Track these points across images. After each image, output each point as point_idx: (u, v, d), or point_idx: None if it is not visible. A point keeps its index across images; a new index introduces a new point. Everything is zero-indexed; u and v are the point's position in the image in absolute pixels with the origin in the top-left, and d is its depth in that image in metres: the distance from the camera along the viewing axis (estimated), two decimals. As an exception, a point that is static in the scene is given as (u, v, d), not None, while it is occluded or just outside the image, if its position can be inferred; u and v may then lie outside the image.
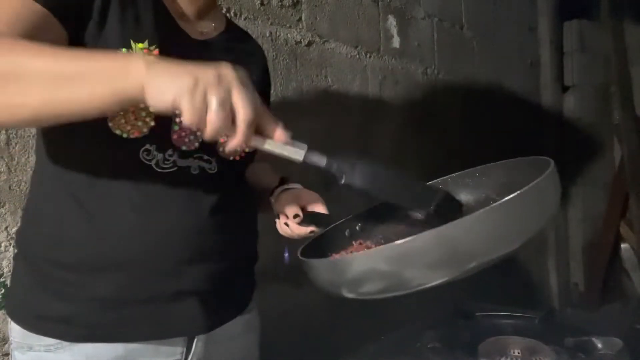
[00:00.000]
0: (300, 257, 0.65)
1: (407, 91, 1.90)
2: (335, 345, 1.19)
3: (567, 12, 2.90)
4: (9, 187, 0.95)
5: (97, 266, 0.66)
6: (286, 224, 0.75)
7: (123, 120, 0.65)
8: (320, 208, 0.76)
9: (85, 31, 0.63)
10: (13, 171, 0.95)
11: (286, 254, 0.85)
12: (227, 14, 1.29)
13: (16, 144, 0.96)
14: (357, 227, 0.81)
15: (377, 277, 0.56)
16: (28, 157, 0.97)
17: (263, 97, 0.87)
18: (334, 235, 0.78)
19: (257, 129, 0.55)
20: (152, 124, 0.66)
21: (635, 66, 2.91)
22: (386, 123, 1.81)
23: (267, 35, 1.40)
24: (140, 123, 0.66)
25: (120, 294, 0.67)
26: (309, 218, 0.74)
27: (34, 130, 0.96)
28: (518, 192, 0.53)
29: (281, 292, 1.33)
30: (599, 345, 0.90)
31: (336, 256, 0.72)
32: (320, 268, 0.63)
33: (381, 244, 0.77)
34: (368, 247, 0.75)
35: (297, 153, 0.58)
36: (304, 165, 0.60)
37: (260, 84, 0.86)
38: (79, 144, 0.67)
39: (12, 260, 0.93)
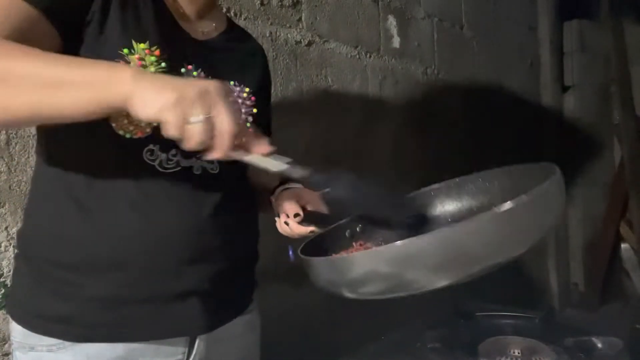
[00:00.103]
0: (301, 255, 0.65)
1: (407, 91, 1.90)
2: (335, 345, 1.19)
3: (567, 12, 2.90)
4: (9, 187, 0.95)
5: (98, 266, 0.66)
6: (286, 223, 0.75)
7: (126, 121, 0.65)
8: (320, 207, 0.76)
9: (84, 32, 0.64)
10: (13, 171, 0.95)
11: (290, 252, 0.85)
12: (227, 14, 1.29)
13: (16, 144, 0.96)
14: (357, 228, 0.81)
15: (378, 278, 0.56)
16: (28, 157, 0.97)
17: (264, 97, 0.88)
18: (335, 235, 0.78)
19: (241, 143, 0.59)
20: (155, 123, 0.67)
21: (635, 66, 2.91)
22: (386, 123, 1.81)
23: (267, 35, 1.40)
24: (143, 123, 0.66)
25: (121, 294, 0.67)
26: (309, 217, 0.74)
27: (34, 130, 0.96)
28: (524, 196, 0.52)
29: (281, 292, 1.33)
30: (599, 345, 0.90)
31: (336, 256, 0.72)
32: (321, 267, 0.63)
33: (381, 245, 0.77)
34: (368, 249, 0.75)
35: (278, 165, 0.62)
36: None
37: (261, 84, 0.86)
38: (81, 144, 0.67)
39: (12, 260, 0.93)
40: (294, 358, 1.30)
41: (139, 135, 0.66)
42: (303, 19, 1.51)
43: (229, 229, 0.75)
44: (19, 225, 0.90)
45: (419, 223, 0.71)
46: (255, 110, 0.80)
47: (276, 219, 0.78)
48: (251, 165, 0.86)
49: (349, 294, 0.60)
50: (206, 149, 0.55)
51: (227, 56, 0.81)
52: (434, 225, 0.76)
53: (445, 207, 0.80)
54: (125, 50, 0.64)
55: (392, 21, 1.84)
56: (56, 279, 0.67)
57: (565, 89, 2.94)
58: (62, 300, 0.67)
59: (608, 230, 2.88)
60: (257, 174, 0.89)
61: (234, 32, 0.86)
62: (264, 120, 0.90)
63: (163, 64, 0.66)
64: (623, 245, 2.87)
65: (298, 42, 1.49)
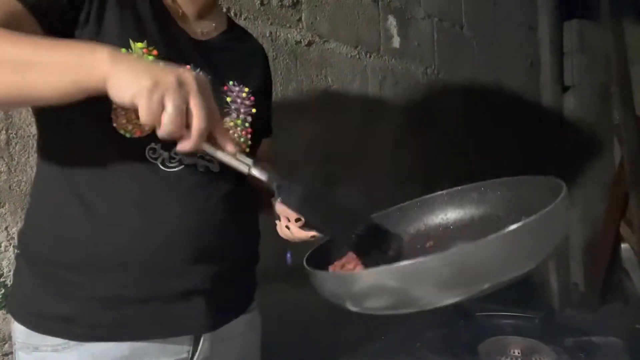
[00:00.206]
0: (307, 267, 0.65)
1: (407, 91, 1.90)
2: (335, 345, 1.19)
3: (567, 12, 2.90)
4: (9, 187, 0.95)
5: (100, 265, 0.66)
6: (287, 227, 0.75)
7: (124, 120, 0.65)
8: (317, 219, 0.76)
9: (77, 32, 0.64)
10: (13, 171, 0.95)
11: (288, 256, 0.85)
12: (227, 14, 1.29)
13: (16, 144, 0.96)
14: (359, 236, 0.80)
15: (384, 295, 0.55)
16: (28, 157, 0.97)
17: (264, 96, 0.88)
18: (337, 242, 0.78)
19: (211, 137, 0.59)
20: (148, 128, 0.67)
21: (635, 66, 2.91)
22: (386, 123, 1.81)
23: (267, 35, 1.40)
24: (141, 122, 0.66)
25: (124, 293, 0.67)
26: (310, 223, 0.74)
27: (34, 130, 0.96)
28: (533, 217, 0.52)
29: (281, 292, 1.33)
30: (599, 345, 0.90)
31: (337, 264, 0.72)
32: (326, 281, 0.63)
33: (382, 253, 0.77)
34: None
35: (242, 165, 0.63)
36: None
37: (261, 84, 0.86)
38: (83, 144, 0.67)
39: (12, 260, 0.93)
40: (294, 358, 1.30)
41: (137, 134, 0.66)
42: (303, 19, 1.51)
43: (230, 229, 0.75)
44: (19, 225, 0.90)
45: (375, 239, 0.71)
46: (254, 110, 0.80)
47: (277, 222, 0.78)
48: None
49: (353, 308, 0.60)
50: (177, 139, 0.55)
51: (227, 56, 0.80)
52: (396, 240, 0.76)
53: (448, 214, 0.80)
54: (123, 50, 0.64)
55: (392, 21, 1.84)
56: (58, 279, 0.67)
57: (565, 89, 2.94)
58: (64, 300, 0.67)
59: (608, 230, 2.88)
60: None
61: (234, 32, 0.86)
62: (265, 120, 0.90)
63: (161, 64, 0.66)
64: (623, 245, 2.87)
65: (298, 42, 1.49)
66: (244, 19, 1.34)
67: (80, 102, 0.56)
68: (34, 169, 0.76)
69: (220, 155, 0.61)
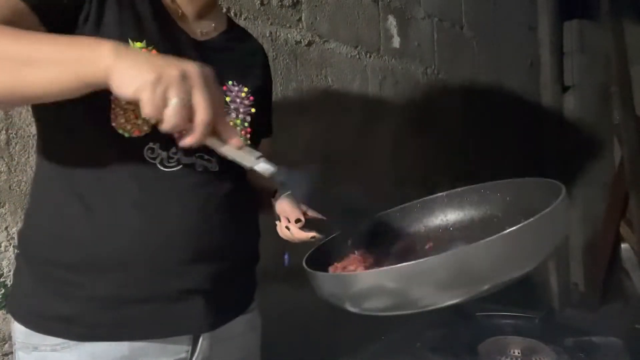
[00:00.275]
0: (306, 268, 0.65)
1: (407, 91, 1.90)
2: (335, 345, 1.19)
3: (567, 12, 2.90)
4: (9, 187, 0.95)
5: (100, 265, 0.66)
6: (287, 228, 0.75)
7: (123, 120, 0.65)
8: (322, 214, 0.76)
9: (78, 30, 0.63)
10: (13, 171, 0.95)
11: (286, 257, 0.85)
12: (227, 14, 1.29)
13: (16, 144, 0.96)
14: (359, 236, 0.80)
15: (384, 296, 0.56)
16: (28, 157, 0.97)
17: (265, 96, 0.88)
18: (336, 243, 0.78)
19: (216, 131, 0.58)
20: (153, 122, 0.67)
21: (635, 66, 2.91)
22: (386, 123, 1.81)
23: (267, 35, 1.40)
24: (140, 122, 0.66)
25: (123, 293, 0.67)
26: (310, 223, 0.74)
27: (34, 130, 0.96)
28: (532, 219, 0.52)
29: (281, 292, 1.33)
30: (599, 345, 0.90)
31: (338, 265, 0.72)
32: (326, 281, 0.63)
33: (382, 255, 0.77)
34: (368, 258, 0.74)
35: (248, 160, 0.61)
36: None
37: (260, 83, 0.86)
38: (82, 144, 0.67)
39: (12, 260, 0.93)
40: (294, 358, 1.30)
41: (136, 134, 0.66)
42: (303, 19, 1.51)
43: (230, 228, 0.75)
44: (19, 225, 0.90)
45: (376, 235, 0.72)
46: (253, 110, 0.80)
47: (277, 222, 0.78)
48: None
49: (353, 309, 0.60)
50: (181, 133, 0.55)
51: (226, 56, 0.80)
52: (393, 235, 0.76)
53: (448, 216, 0.81)
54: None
55: (392, 21, 1.84)
56: (57, 279, 0.67)
57: (565, 89, 2.94)
58: (64, 300, 0.67)
59: (608, 230, 2.88)
60: (258, 175, 0.89)
61: (233, 32, 0.86)
62: (265, 119, 0.90)
63: None
64: (623, 245, 2.87)
65: (298, 42, 1.49)
66: (244, 19, 1.34)
67: (79, 102, 0.56)
68: (34, 169, 0.76)
69: (225, 149, 0.60)
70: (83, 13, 0.64)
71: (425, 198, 0.82)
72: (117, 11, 0.66)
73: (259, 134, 0.85)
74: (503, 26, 2.52)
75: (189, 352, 0.73)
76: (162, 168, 0.68)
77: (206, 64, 0.73)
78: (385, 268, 0.55)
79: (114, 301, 0.67)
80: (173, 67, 0.52)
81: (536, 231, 0.54)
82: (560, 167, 2.80)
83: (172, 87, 0.51)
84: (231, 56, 0.82)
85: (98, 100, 0.61)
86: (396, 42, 1.86)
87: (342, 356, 1.02)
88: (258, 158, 0.61)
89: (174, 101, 0.51)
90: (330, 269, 0.71)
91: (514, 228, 0.51)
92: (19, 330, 0.69)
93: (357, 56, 1.69)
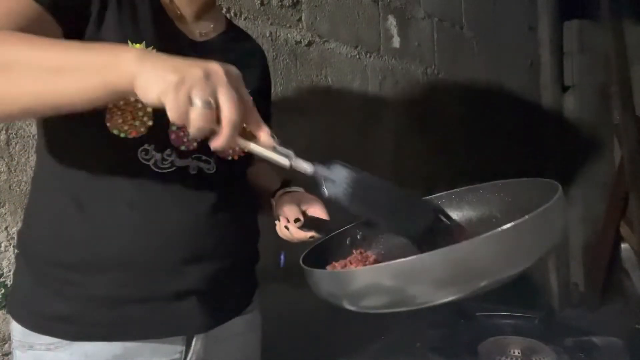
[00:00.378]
0: (303, 266, 0.65)
1: (407, 91, 1.90)
2: (335, 345, 1.19)
3: (567, 12, 2.91)
4: (9, 187, 0.95)
5: (97, 266, 0.66)
6: (286, 227, 0.75)
7: (120, 120, 0.65)
8: (321, 213, 0.76)
9: (83, 30, 0.64)
10: (13, 171, 0.95)
11: (282, 257, 0.84)
12: (227, 14, 1.29)
13: (16, 144, 0.96)
14: (358, 236, 0.80)
15: (381, 293, 0.55)
16: (28, 157, 0.97)
17: (263, 97, 0.88)
18: (335, 242, 0.78)
19: (245, 131, 0.56)
20: (150, 123, 0.66)
21: (635, 66, 2.91)
22: (386, 123, 1.81)
23: (267, 35, 1.40)
24: (137, 123, 0.66)
25: (120, 293, 0.67)
26: (309, 223, 0.74)
27: (34, 130, 0.96)
28: (527, 216, 0.52)
29: (281, 292, 1.33)
30: (599, 345, 0.90)
31: (336, 264, 0.72)
32: (323, 279, 0.63)
33: (381, 255, 0.77)
34: (368, 257, 0.74)
35: (282, 158, 0.58)
36: (292, 171, 0.59)
37: (260, 84, 0.86)
38: (78, 144, 0.67)
39: (12, 260, 0.93)
40: (294, 358, 1.30)
41: (133, 134, 0.66)
42: (303, 19, 1.51)
43: (227, 229, 0.75)
44: (19, 225, 0.90)
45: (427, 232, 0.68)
46: None
47: (276, 222, 0.78)
48: (251, 167, 0.87)
49: (350, 307, 0.60)
50: (209, 136, 0.52)
51: (225, 57, 0.80)
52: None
53: None
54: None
55: (392, 21, 1.84)
56: (56, 279, 0.67)
57: (565, 89, 2.95)
58: (62, 300, 0.67)
59: (608, 230, 2.88)
60: (258, 176, 0.89)
61: (232, 33, 0.86)
62: (264, 120, 0.90)
63: None
64: (623, 245, 2.87)
65: (298, 42, 1.49)
66: (244, 19, 1.34)
67: None
68: (34, 169, 0.77)
69: (256, 148, 0.57)
70: (88, 12, 0.64)
71: (423, 199, 0.82)
72: (117, 12, 0.66)
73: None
74: (503, 26, 2.52)
75: (183, 353, 0.73)
76: (155, 170, 0.68)
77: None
78: (381, 264, 0.55)
79: (111, 301, 0.67)
80: (196, 68, 0.50)
81: (532, 228, 0.54)
82: (560, 167, 2.80)
83: (195, 88, 0.49)
84: (230, 57, 0.81)
85: None
86: (396, 42, 1.86)
87: (342, 356, 1.02)
88: (290, 157, 0.58)
89: (197, 102, 0.49)
90: (328, 268, 0.71)
91: (510, 225, 0.51)
92: (16, 330, 0.70)
93: (357, 56, 1.69)
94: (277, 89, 1.40)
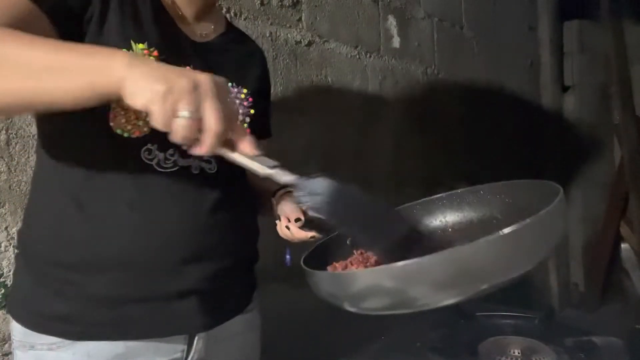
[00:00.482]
0: (304, 267, 0.65)
1: (407, 91, 1.90)
2: (335, 345, 1.19)
3: (567, 12, 2.91)
4: (9, 187, 0.95)
5: (98, 265, 0.66)
6: (287, 227, 0.75)
7: (124, 120, 0.65)
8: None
9: (79, 33, 0.64)
10: (13, 171, 0.95)
11: (288, 256, 0.84)
12: (227, 15, 1.29)
13: (16, 144, 0.96)
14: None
15: (382, 295, 0.55)
16: (28, 157, 0.97)
17: (263, 98, 0.88)
18: (336, 242, 0.78)
19: (229, 140, 0.57)
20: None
21: (635, 66, 2.91)
22: (386, 123, 1.81)
23: (267, 35, 1.40)
24: (141, 122, 0.66)
25: (121, 293, 0.67)
26: (310, 223, 0.74)
27: (34, 130, 0.96)
28: (530, 219, 0.52)
29: (281, 292, 1.33)
30: (599, 345, 0.90)
31: (337, 265, 0.72)
32: (324, 280, 0.62)
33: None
34: (369, 258, 0.74)
35: (263, 169, 0.59)
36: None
37: (260, 85, 0.86)
38: (80, 144, 0.67)
39: (12, 260, 0.93)
40: (294, 358, 1.30)
41: (136, 134, 0.66)
42: (303, 19, 1.51)
43: (227, 229, 0.75)
44: (19, 225, 0.90)
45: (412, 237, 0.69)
46: (252, 112, 0.80)
47: (277, 222, 0.78)
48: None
49: (351, 308, 0.60)
50: (192, 143, 0.54)
51: (225, 57, 0.81)
52: (427, 238, 0.75)
53: (447, 217, 0.81)
54: (125, 51, 0.64)
55: (392, 21, 1.84)
56: (56, 279, 0.67)
57: (565, 89, 2.95)
58: (62, 299, 0.67)
59: (608, 230, 2.88)
60: (258, 176, 0.89)
61: (232, 34, 0.86)
62: (264, 121, 0.91)
63: None
64: (623, 245, 2.88)
65: (298, 42, 1.49)
66: (244, 19, 1.34)
67: None
68: (34, 169, 0.77)
69: (238, 158, 0.58)
70: (87, 14, 0.64)
71: (424, 199, 0.82)
72: (119, 13, 0.66)
73: (257, 134, 0.85)
74: (503, 26, 2.52)
75: (184, 352, 0.73)
76: (158, 169, 0.68)
77: (206, 65, 0.74)
78: (382, 267, 0.55)
79: (112, 301, 0.67)
80: (184, 79, 0.51)
81: (534, 232, 0.54)
82: (560, 167, 2.80)
83: (182, 100, 0.50)
84: (230, 58, 0.82)
85: None
86: (396, 42, 1.86)
87: (342, 356, 1.02)
88: (273, 167, 0.59)
89: (183, 114, 0.50)
90: (329, 268, 0.71)
91: (512, 228, 0.51)
92: (17, 330, 0.70)
93: (357, 56, 1.69)
94: (277, 89, 1.40)
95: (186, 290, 0.70)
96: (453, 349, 0.93)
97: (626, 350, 0.88)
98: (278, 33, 1.43)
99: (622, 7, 2.89)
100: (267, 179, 0.82)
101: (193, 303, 0.71)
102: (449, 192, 0.80)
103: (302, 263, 0.66)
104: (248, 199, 0.84)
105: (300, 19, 1.50)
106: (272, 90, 0.98)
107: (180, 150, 0.69)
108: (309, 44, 1.52)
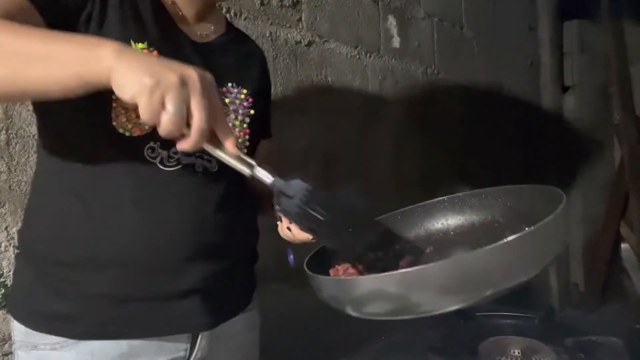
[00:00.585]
0: (307, 271, 0.65)
1: (407, 91, 1.90)
2: (335, 345, 1.19)
3: (567, 12, 2.91)
4: (9, 187, 0.95)
5: (99, 264, 0.66)
6: (288, 229, 0.75)
7: (124, 119, 0.65)
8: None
9: (78, 31, 0.63)
10: (13, 171, 0.95)
11: (291, 257, 0.84)
12: (227, 15, 1.29)
13: (16, 144, 0.96)
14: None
15: (385, 301, 0.55)
16: (28, 157, 0.97)
17: (263, 98, 0.88)
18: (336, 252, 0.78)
19: (214, 136, 0.57)
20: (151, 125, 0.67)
21: (635, 66, 2.91)
22: (386, 123, 1.81)
23: (267, 35, 1.40)
24: (142, 121, 0.66)
25: (123, 292, 0.67)
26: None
27: (34, 130, 0.96)
28: (534, 226, 0.52)
29: (281, 292, 1.33)
30: (599, 345, 0.90)
31: (339, 268, 0.72)
32: (326, 285, 0.63)
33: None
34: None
35: (244, 166, 0.60)
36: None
37: (259, 85, 0.86)
38: (82, 142, 0.67)
39: (12, 260, 0.93)
40: (294, 358, 1.30)
41: (137, 133, 0.66)
42: (303, 19, 1.51)
43: (228, 228, 0.75)
44: (19, 225, 0.90)
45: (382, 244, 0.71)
46: (252, 112, 0.80)
47: (278, 223, 0.78)
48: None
49: (353, 313, 0.60)
50: (177, 138, 0.54)
51: (225, 58, 0.81)
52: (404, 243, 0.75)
53: (449, 220, 0.81)
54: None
55: (392, 21, 1.84)
56: (57, 278, 0.67)
57: (565, 89, 2.95)
58: (64, 299, 0.67)
59: (608, 230, 2.88)
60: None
61: (232, 35, 0.86)
62: (264, 121, 0.91)
63: None
64: (623, 245, 2.88)
65: (298, 42, 1.49)
66: (244, 19, 1.34)
67: (80, 100, 0.56)
68: (34, 169, 0.76)
69: (221, 155, 0.59)
70: (85, 13, 0.64)
71: (426, 202, 0.82)
72: (120, 12, 0.66)
73: (257, 134, 0.85)
74: (503, 26, 2.52)
75: (187, 351, 0.74)
76: (161, 167, 0.68)
77: (206, 65, 0.74)
78: (386, 273, 0.55)
79: (113, 300, 0.67)
80: (172, 73, 0.51)
81: (538, 239, 0.54)
82: (560, 167, 2.80)
83: (169, 93, 0.50)
84: (230, 58, 0.82)
85: (99, 99, 0.61)
86: (396, 42, 1.86)
87: (342, 356, 1.02)
88: (253, 167, 0.61)
89: (170, 107, 0.51)
90: (331, 271, 0.71)
91: (516, 236, 0.51)
92: (18, 330, 0.70)
93: (357, 56, 1.69)
94: (277, 89, 1.40)
95: (188, 290, 0.71)
96: (453, 349, 0.93)
97: (626, 350, 0.88)
98: (278, 33, 1.43)
99: (622, 7, 2.89)
100: None
101: (195, 302, 0.71)
102: (451, 195, 0.80)
103: (305, 266, 0.67)
104: (248, 199, 0.84)
105: (300, 19, 1.50)
106: (272, 90, 0.98)
107: None
108: (309, 44, 1.52)
